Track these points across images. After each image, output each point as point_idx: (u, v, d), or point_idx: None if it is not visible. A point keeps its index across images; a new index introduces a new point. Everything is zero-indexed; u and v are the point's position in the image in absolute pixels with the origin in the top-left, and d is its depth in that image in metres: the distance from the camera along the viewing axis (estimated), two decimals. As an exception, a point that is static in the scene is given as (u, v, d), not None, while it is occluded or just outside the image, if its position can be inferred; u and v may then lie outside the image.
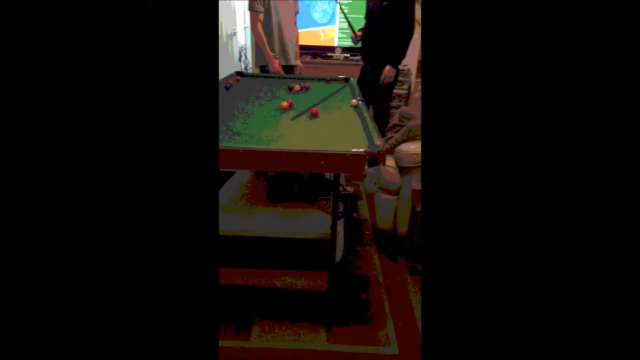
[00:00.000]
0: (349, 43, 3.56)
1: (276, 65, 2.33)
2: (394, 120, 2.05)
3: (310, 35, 3.62)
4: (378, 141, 1.04)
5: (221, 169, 1.88)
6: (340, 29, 3.60)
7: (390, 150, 1.67)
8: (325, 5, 3.55)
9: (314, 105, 1.50)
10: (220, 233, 1.26)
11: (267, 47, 2.31)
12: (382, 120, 2.41)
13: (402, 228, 1.66)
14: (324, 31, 3.61)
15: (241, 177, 1.64)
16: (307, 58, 3.54)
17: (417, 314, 1.39)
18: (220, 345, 1.22)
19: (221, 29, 4.42)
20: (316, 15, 3.58)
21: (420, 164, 1.52)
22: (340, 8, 2.84)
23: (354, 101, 1.54)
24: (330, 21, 3.58)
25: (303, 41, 3.62)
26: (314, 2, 3.53)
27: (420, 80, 3.20)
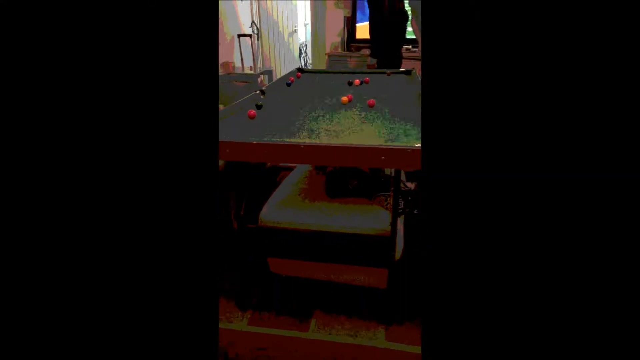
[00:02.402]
0: (410, 34, 3.45)
1: None
2: None
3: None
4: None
5: (282, 164, 1.93)
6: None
7: None
8: None
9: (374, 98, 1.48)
10: (280, 225, 1.30)
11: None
12: None
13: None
14: (384, 23, 3.52)
15: (301, 171, 1.67)
16: (367, 51, 3.50)
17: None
18: (278, 334, 1.26)
19: (282, 26, 4.52)
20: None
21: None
22: None
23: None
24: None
25: (361, 35, 3.58)
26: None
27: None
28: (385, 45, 2.84)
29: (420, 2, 1.91)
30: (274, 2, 4.29)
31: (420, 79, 1.92)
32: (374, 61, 2.89)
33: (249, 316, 1.33)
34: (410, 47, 3.44)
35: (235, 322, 1.30)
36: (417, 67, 2.32)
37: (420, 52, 2.18)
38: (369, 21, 2.92)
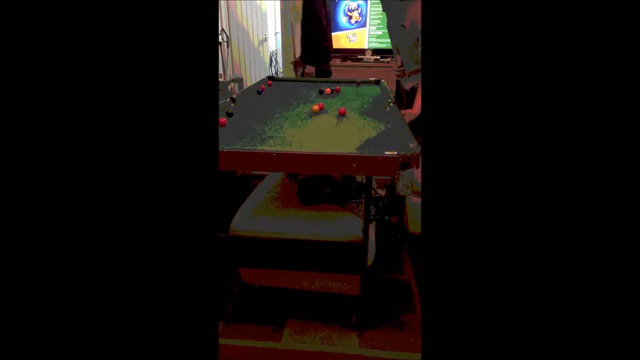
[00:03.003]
0: (379, 45, 3.54)
1: None
2: None
3: (340, 38, 3.62)
4: (411, 143, 1.03)
5: (253, 172, 1.91)
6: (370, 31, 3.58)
7: None
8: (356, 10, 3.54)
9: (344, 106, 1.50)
10: (252, 234, 1.28)
11: None
12: None
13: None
14: (354, 34, 3.60)
15: (273, 179, 1.66)
16: (337, 61, 3.55)
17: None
18: (251, 345, 1.24)
19: (252, 34, 4.51)
20: (344, 19, 3.58)
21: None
22: None
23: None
24: (361, 23, 3.57)
25: (332, 44, 3.64)
26: (342, 6, 3.53)
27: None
28: (306, 50, 2.86)
29: (406, 35, 1.76)
30: (244, 10, 4.28)
31: (387, 88, 1.97)
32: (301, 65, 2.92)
33: (220, 328, 1.30)
34: (379, 57, 3.53)
35: (206, 335, 1.26)
36: (385, 76, 2.38)
37: (396, 68, 2.02)
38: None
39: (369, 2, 3.48)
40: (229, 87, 3.49)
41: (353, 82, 2.21)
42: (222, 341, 1.25)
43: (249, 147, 1.06)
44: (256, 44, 4.63)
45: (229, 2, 3.86)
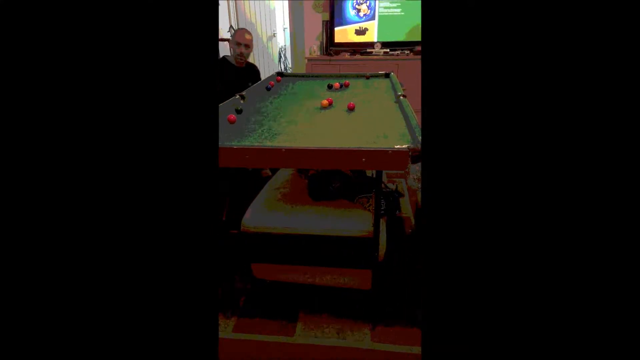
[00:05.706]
0: (388, 38, 3.51)
1: None
2: None
3: (348, 31, 3.59)
4: (421, 137, 1.02)
5: (263, 171, 1.91)
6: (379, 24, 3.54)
7: None
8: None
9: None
10: (263, 230, 1.29)
11: None
12: None
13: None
14: (360, 27, 3.57)
15: (283, 175, 1.67)
16: (346, 55, 3.53)
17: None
18: (264, 340, 1.25)
19: (261, 30, 4.51)
20: (352, 13, 3.54)
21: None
22: None
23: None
24: (370, 16, 3.54)
25: (340, 39, 3.62)
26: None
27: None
28: None
29: None
30: (252, 6, 4.28)
31: (397, 80, 1.95)
32: None
33: (233, 323, 1.32)
34: (389, 50, 3.49)
35: (220, 330, 1.28)
36: (395, 69, 2.35)
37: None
38: None
39: (377, -6, 3.44)
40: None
41: (362, 75, 2.19)
42: (235, 336, 1.27)
43: (258, 144, 1.07)
44: (265, 40, 4.63)
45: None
